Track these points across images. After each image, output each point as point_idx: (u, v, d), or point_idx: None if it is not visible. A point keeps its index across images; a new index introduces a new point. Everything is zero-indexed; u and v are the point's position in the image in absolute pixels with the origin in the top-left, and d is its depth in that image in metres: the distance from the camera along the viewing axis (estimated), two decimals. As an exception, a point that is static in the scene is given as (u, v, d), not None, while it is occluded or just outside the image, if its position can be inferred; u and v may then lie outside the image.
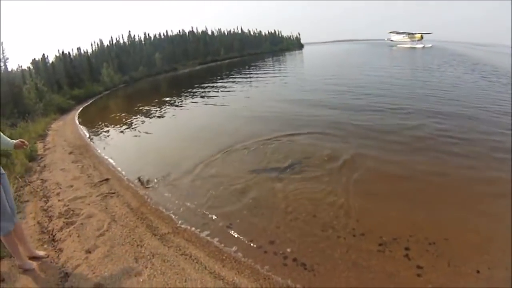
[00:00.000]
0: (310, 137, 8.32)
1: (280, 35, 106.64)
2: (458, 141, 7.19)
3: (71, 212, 5.46)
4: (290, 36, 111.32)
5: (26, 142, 3.95)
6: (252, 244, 4.24)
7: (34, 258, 4.07)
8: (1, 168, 3.68)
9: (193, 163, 7.35)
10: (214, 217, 4.99)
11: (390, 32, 70.10)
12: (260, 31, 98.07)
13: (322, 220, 4.62)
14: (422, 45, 56.61)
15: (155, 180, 6.72)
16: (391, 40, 69.63)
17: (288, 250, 4.04)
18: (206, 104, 16.68)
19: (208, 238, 4.46)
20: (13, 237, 3.69)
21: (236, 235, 4.46)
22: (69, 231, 4.80)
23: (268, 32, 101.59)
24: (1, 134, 3.75)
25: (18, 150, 4.11)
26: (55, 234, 4.79)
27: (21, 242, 3.97)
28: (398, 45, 62.82)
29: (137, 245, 4.26)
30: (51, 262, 4.08)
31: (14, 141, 3.85)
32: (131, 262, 3.91)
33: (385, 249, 3.90)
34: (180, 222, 4.92)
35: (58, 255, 4.23)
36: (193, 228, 4.71)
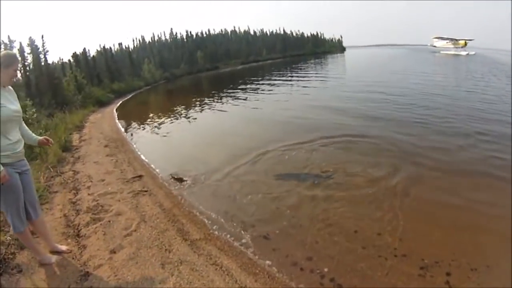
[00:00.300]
0: (349, 148, 7.83)
1: (322, 37, 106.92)
2: (509, 165, 6.36)
3: (100, 207, 5.29)
4: (332, 38, 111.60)
5: (50, 140, 3.83)
6: (288, 259, 3.88)
7: (56, 252, 3.93)
8: (27, 163, 3.56)
9: (231, 165, 7.12)
10: (250, 225, 4.66)
11: (434, 38, 66.99)
12: (302, 32, 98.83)
13: (363, 236, 4.22)
14: (466, 52, 53.10)
15: (191, 180, 6.52)
16: (434, 46, 66.48)
17: (326, 269, 3.65)
18: (245, 106, 16.53)
19: (242, 248, 4.12)
20: (27, 233, 3.56)
21: (272, 247, 4.11)
22: (95, 227, 4.61)
23: (311, 34, 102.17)
24: (27, 128, 3.66)
25: (41, 146, 4.01)
26: (80, 230, 4.62)
27: (42, 235, 3.90)
28: (441, 51, 59.71)
29: (165, 250, 3.96)
30: (72, 258, 3.90)
31: (39, 137, 3.76)
32: (157, 268, 3.62)
33: (426, 273, 3.50)
34: (213, 228, 4.61)
35: (81, 252, 4.04)
36: (227, 236, 4.39)
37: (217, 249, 4.04)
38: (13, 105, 3.23)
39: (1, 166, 3.00)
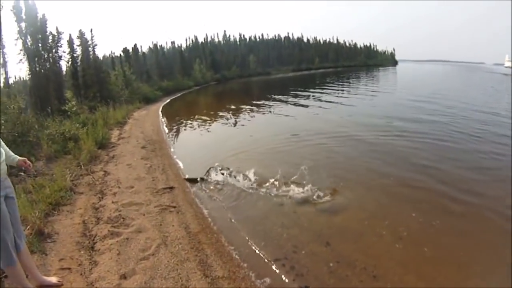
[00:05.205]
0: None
1: (375, 49, 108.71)
2: None
3: (121, 220, 5.03)
4: (385, 51, 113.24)
5: (29, 162, 3.50)
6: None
7: (46, 286, 3.47)
8: (11, 184, 3.20)
9: (277, 182, 6.42)
10: (289, 267, 4.00)
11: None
12: (355, 43, 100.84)
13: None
14: None
15: (228, 198, 6.11)
16: (506, 67, 56.47)
17: None
18: (295, 115, 15.96)
19: (270, 297, 3.46)
20: (18, 269, 3.16)
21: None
22: (111, 244, 4.32)
23: (364, 45, 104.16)
24: (4, 145, 3.31)
25: (20, 167, 3.59)
26: (96, 242, 4.41)
27: (27, 268, 3.38)
28: None
29: (182, 285, 3.52)
30: (81, 274, 3.68)
31: (18, 157, 3.43)
32: (168, 308, 3.20)
33: None
34: (241, 264, 4.04)
35: (91, 269, 3.80)
36: (254, 277, 3.79)
37: (239, 293, 3.47)
38: None
39: None
